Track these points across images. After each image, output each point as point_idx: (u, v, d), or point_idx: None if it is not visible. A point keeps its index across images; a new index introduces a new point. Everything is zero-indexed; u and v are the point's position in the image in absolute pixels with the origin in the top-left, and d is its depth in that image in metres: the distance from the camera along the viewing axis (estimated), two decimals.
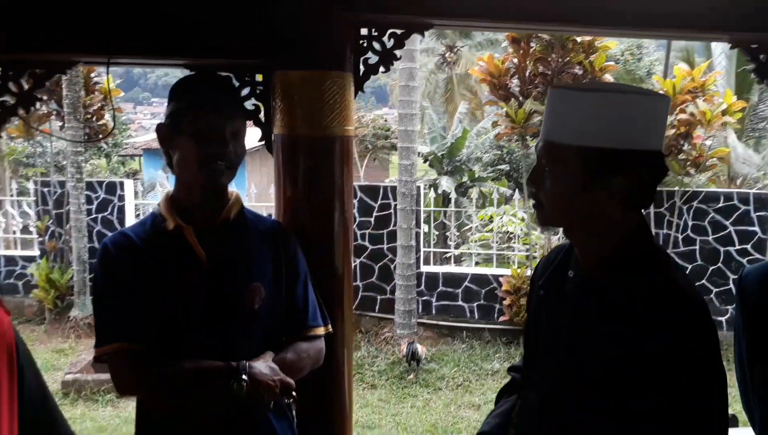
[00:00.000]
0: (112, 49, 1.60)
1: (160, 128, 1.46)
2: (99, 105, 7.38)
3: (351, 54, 1.79)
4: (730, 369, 1.08)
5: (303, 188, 1.72)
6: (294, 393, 1.39)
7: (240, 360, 1.36)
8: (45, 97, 7.02)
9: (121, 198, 7.94)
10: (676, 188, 7.19)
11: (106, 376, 6.05)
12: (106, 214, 7.95)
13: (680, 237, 7.17)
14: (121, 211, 7.96)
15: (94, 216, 7.89)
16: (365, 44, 1.83)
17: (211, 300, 1.40)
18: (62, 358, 6.84)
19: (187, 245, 1.42)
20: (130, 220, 8.09)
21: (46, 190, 7.91)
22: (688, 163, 6.80)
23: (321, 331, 1.55)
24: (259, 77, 1.78)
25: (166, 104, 1.47)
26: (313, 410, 1.62)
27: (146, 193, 13.71)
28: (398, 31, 1.85)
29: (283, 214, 1.75)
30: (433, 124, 12.97)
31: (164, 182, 15.11)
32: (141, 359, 1.37)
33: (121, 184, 8.08)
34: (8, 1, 1.59)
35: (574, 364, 1.07)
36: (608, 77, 7.03)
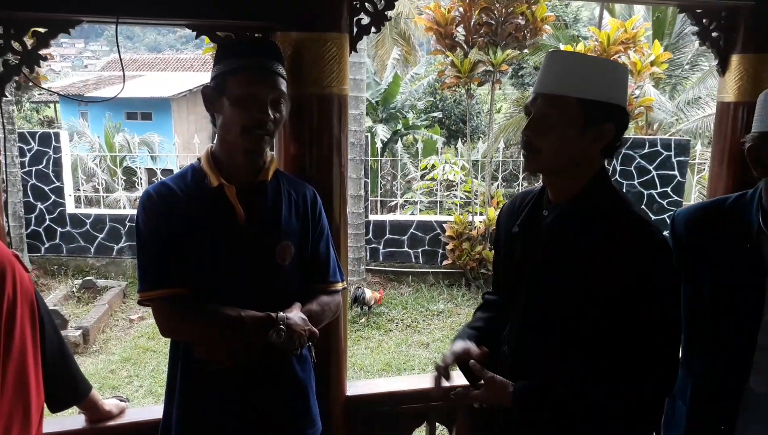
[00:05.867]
0: (119, 9, 1.63)
1: (205, 90, 1.50)
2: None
3: (347, 15, 1.88)
4: None
5: (306, 145, 1.84)
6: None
7: (268, 309, 1.49)
8: None
9: (57, 150, 7.62)
10: None
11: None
12: (40, 166, 7.63)
13: None
14: (57, 163, 7.65)
15: (27, 169, 7.55)
16: (358, 5, 1.93)
17: (246, 254, 1.51)
18: None
19: (228, 203, 1.51)
20: (67, 173, 7.80)
21: None
22: None
23: (340, 286, 1.68)
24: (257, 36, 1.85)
25: (213, 67, 1.51)
26: (317, 350, 1.77)
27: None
28: None
29: (286, 169, 1.86)
30: (366, 70, 12.83)
31: (85, 131, 14.34)
32: (184, 304, 1.48)
33: (56, 135, 7.74)
34: None
35: (550, 286, 1.32)
36: (547, 27, 7.29)
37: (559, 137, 1.28)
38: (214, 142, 1.58)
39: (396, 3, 1.97)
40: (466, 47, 7.19)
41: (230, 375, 1.52)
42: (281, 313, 1.49)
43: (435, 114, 14.48)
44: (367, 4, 1.93)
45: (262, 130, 1.48)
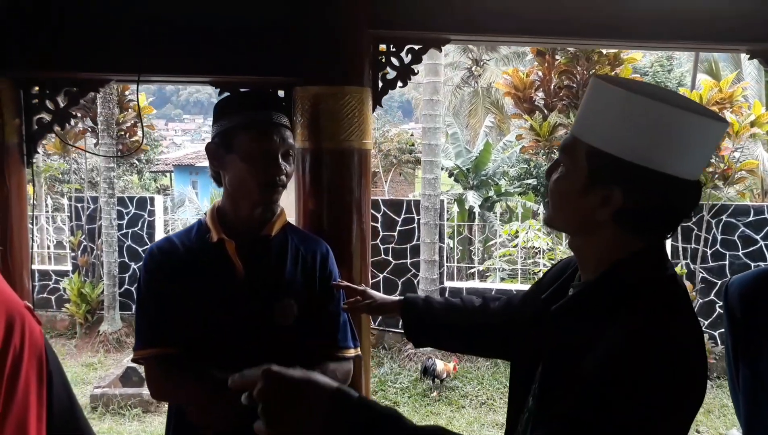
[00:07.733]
0: (141, 67, 1.68)
1: (209, 147, 1.48)
2: (132, 122, 7.59)
3: (369, 69, 1.84)
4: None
5: (324, 200, 1.77)
6: None
7: None
8: (80, 115, 7.25)
9: (151, 213, 8.12)
10: (704, 202, 7.07)
11: (134, 390, 6.18)
12: (136, 229, 8.14)
13: (709, 252, 7.04)
14: (151, 226, 8.14)
15: (125, 231, 8.08)
16: (383, 60, 1.89)
17: (244, 312, 1.44)
18: (91, 372, 6.96)
19: (227, 257, 1.46)
20: (159, 235, 8.27)
21: (79, 205, 8.13)
22: (716, 175, 6.69)
23: (351, 352, 1.56)
24: (280, 92, 1.84)
25: (213, 122, 1.49)
26: None
27: (176, 208, 14.02)
28: (416, 47, 1.91)
29: (304, 226, 1.79)
30: (458, 138, 12.98)
31: (193, 197, 15.44)
32: (175, 365, 1.41)
33: (151, 199, 8.27)
34: (42, 21, 1.69)
35: (552, 384, 0.96)
36: None
37: (560, 189, 0.99)
38: (222, 198, 1.56)
39: (422, 57, 1.91)
40: (546, 111, 7.04)
41: None
42: None
43: (529, 181, 14.28)
44: (392, 59, 1.89)
45: (273, 185, 1.45)
